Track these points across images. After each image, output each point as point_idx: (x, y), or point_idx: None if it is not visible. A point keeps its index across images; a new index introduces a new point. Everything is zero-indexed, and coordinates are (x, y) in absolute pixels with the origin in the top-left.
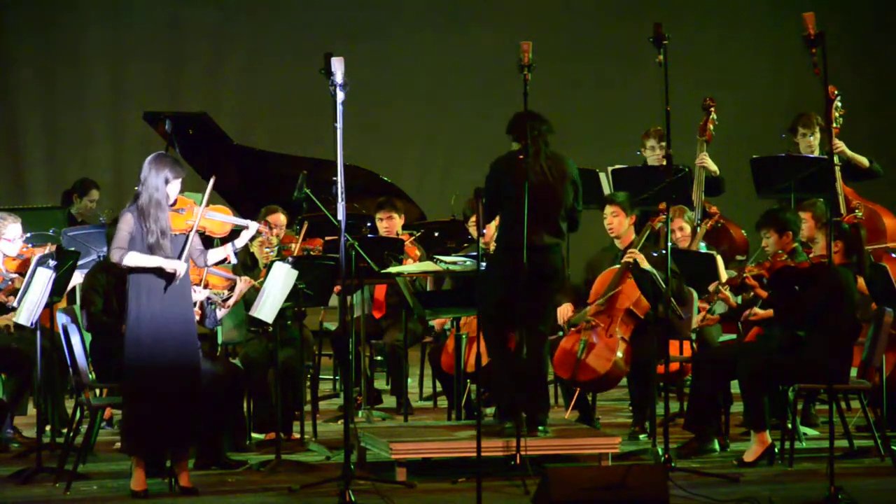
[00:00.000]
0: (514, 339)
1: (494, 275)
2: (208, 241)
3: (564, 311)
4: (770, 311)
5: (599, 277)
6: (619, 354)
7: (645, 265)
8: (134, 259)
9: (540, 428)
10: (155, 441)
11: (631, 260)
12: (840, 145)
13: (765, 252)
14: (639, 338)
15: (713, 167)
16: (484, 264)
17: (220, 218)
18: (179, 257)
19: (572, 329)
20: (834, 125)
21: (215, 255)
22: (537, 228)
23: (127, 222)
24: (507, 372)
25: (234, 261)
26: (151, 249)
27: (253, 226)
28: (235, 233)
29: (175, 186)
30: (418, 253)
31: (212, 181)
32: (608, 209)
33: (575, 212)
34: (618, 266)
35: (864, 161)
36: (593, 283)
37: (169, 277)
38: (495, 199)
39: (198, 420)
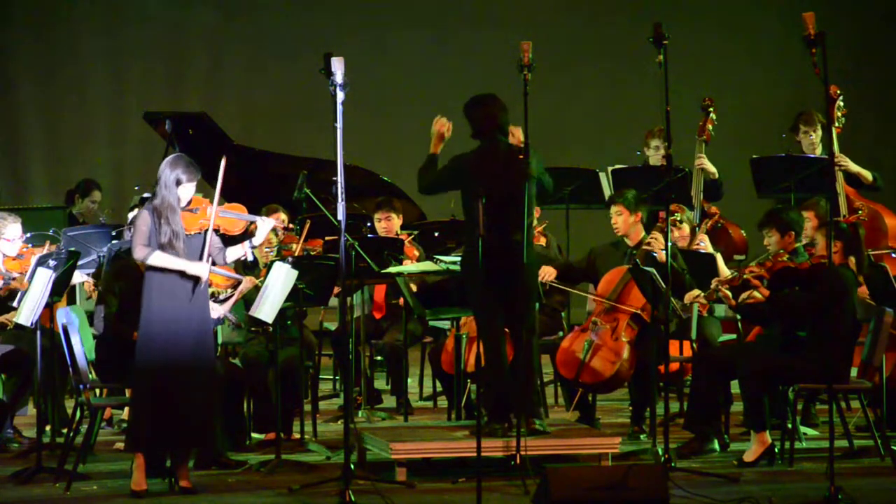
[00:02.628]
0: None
1: (470, 277)
2: (222, 240)
3: (546, 272)
4: (766, 292)
5: (608, 275)
6: (625, 358)
7: (661, 256)
8: (159, 259)
9: (537, 422)
10: (159, 442)
11: (651, 247)
12: (843, 161)
13: (767, 251)
14: (641, 340)
15: (712, 169)
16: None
17: (235, 216)
18: (200, 257)
19: (577, 328)
20: (836, 125)
21: (233, 253)
22: (500, 227)
23: (144, 219)
24: (499, 374)
25: (251, 258)
26: (163, 250)
27: (268, 222)
28: (248, 231)
29: (187, 189)
30: (416, 253)
31: (223, 164)
32: (612, 209)
33: (543, 191)
34: (627, 266)
35: (869, 176)
36: (593, 271)
37: (192, 279)
38: (443, 183)
39: (206, 422)
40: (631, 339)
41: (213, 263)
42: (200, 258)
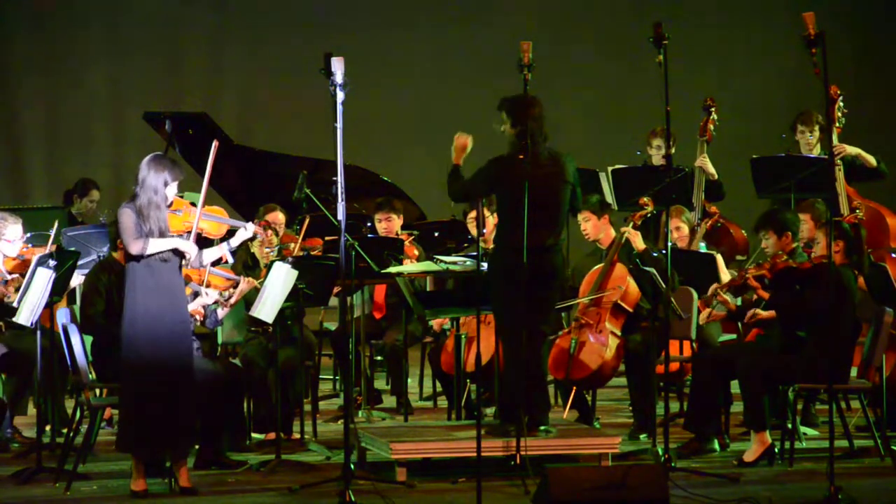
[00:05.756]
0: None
1: (495, 276)
2: (205, 243)
3: None
4: (772, 313)
5: (586, 277)
6: (610, 349)
7: (639, 243)
8: (154, 246)
9: (542, 428)
10: (150, 440)
11: (626, 235)
12: (842, 148)
13: (765, 253)
14: (635, 334)
15: (711, 170)
16: (485, 265)
17: (217, 219)
18: (181, 258)
19: (563, 331)
20: (836, 125)
21: (210, 255)
22: (536, 229)
23: (129, 216)
24: (516, 374)
25: (230, 260)
26: None
27: (249, 227)
28: (231, 233)
29: (173, 189)
30: (416, 252)
31: (214, 146)
32: (579, 217)
33: (575, 208)
34: (601, 265)
35: (872, 160)
36: (577, 285)
37: (173, 277)
38: (479, 187)
39: (194, 419)
40: (616, 330)
41: (216, 264)
42: (182, 260)
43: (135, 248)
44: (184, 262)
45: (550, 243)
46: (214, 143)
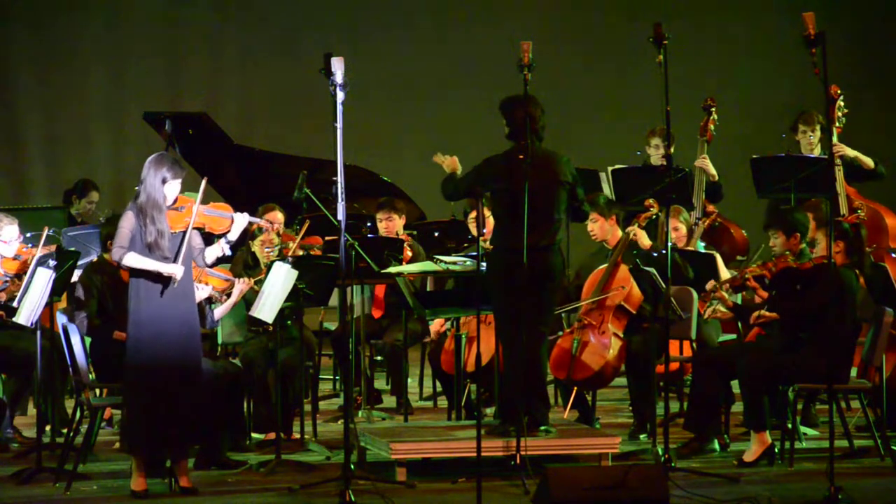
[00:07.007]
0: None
1: (493, 276)
2: (210, 239)
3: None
4: (765, 294)
5: (590, 277)
6: (613, 350)
7: (645, 241)
8: (132, 260)
9: (542, 428)
10: (155, 441)
11: (632, 234)
12: (841, 148)
13: (772, 252)
14: (630, 331)
15: (712, 171)
16: (485, 265)
17: (220, 214)
18: (177, 257)
19: (566, 331)
20: (836, 125)
21: (212, 252)
22: (531, 229)
23: (128, 220)
24: (516, 374)
25: (228, 253)
26: (150, 249)
27: (242, 217)
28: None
29: (173, 187)
30: (409, 254)
31: (204, 182)
32: None
33: (578, 208)
34: (605, 266)
35: (870, 162)
36: (582, 287)
37: (167, 280)
38: (473, 186)
39: (198, 421)
40: (619, 331)
41: (212, 266)
42: (175, 260)
43: (114, 255)
44: (172, 284)
45: (545, 244)
46: (204, 180)
